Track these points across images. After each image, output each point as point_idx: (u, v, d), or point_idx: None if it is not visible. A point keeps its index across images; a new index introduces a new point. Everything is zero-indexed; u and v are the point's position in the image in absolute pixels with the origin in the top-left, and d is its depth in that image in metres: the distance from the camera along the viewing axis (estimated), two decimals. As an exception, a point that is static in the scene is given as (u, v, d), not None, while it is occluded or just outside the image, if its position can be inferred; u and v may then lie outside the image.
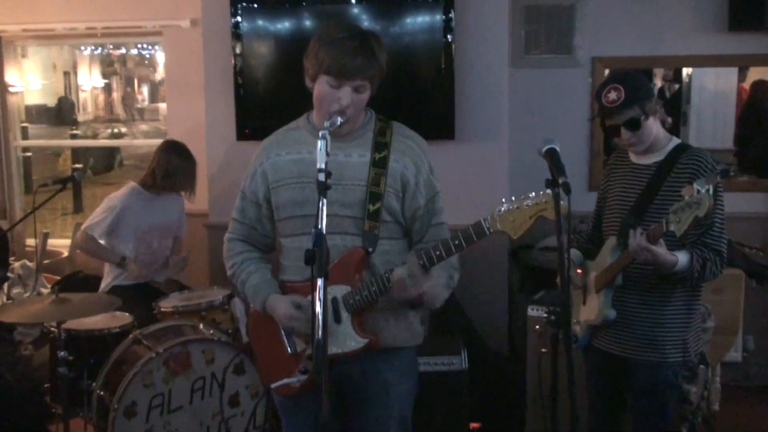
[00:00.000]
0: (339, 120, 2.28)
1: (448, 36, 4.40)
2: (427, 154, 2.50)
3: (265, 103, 4.68)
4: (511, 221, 2.23)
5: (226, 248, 2.63)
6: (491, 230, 2.26)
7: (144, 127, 14.86)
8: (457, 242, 2.30)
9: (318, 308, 1.81)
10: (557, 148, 2.22)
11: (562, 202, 2.10)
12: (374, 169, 2.39)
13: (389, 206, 2.41)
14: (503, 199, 2.28)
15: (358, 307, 2.40)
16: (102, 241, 4.36)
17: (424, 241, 2.48)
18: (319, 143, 2.03)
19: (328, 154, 2.02)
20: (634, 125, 2.79)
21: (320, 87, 2.34)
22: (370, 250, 2.40)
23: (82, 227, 4.38)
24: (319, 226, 1.89)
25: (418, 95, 4.51)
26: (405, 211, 2.44)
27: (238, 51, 4.62)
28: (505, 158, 4.62)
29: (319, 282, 1.80)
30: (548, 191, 2.17)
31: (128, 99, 15.42)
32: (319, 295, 1.80)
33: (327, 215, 1.99)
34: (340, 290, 2.41)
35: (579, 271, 3.03)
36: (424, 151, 2.50)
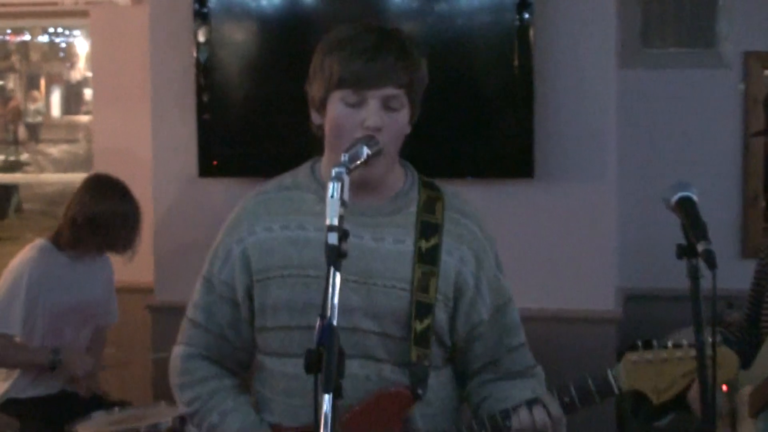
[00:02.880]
0: (366, 151, 2.25)
1: (525, 17, 4.44)
2: (491, 240, 2.54)
3: (243, 120, 4.75)
4: (653, 378, 2.31)
5: (179, 370, 2.60)
6: (622, 389, 2.35)
7: (54, 152, 15.02)
8: (567, 399, 2.38)
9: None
10: (694, 197, 2.21)
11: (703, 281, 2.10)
12: (421, 266, 2.41)
13: (438, 323, 2.43)
14: (639, 342, 2.35)
15: None
16: (18, 338, 4.39)
17: (496, 372, 2.51)
18: (331, 187, 2.02)
19: (344, 204, 2.01)
20: None
21: (334, 111, 2.38)
22: (420, 392, 2.40)
23: None
24: (328, 314, 1.86)
25: (478, 110, 4.56)
26: (458, 328, 2.47)
27: (202, 39, 4.70)
28: (612, 205, 4.65)
29: (327, 401, 1.76)
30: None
31: (10, 112, 15.43)
32: (324, 422, 1.75)
33: (343, 329, 2.00)
34: None
35: (725, 388, 3.02)
36: (487, 234, 2.54)
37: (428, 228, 2.43)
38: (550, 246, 4.63)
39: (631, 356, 2.33)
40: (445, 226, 2.44)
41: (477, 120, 4.56)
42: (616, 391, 2.33)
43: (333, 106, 2.37)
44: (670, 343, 2.32)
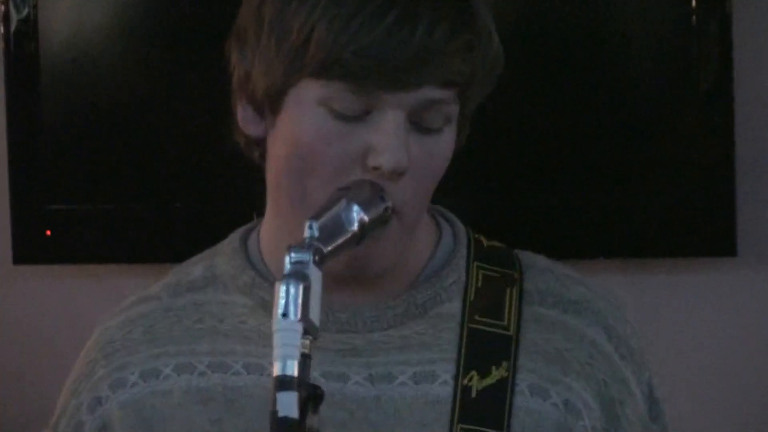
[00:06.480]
0: (358, 216, 1.76)
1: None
2: (638, 356, 2.04)
3: (100, 151, 4.21)
4: None
5: None
6: None
7: None
8: None
9: None
10: None
11: None
12: (467, 429, 1.92)
13: None
14: None
15: None
16: None
17: None
18: (281, 293, 1.51)
19: (312, 330, 1.52)
20: None
21: (308, 122, 1.83)
22: None
23: None
24: None
25: (628, 147, 4.28)
26: None
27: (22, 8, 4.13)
28: None
29: None
30: None
31: None
32: None
33: None
34: None
35: None
36: (630, 345, 2.03)
37: (487, 346, 1.92)
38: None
39: None
40: (526, 337, 1.93)
41: (630, 164, 4.26)
42: None
43: (306, 111, 1.82)
44: None
